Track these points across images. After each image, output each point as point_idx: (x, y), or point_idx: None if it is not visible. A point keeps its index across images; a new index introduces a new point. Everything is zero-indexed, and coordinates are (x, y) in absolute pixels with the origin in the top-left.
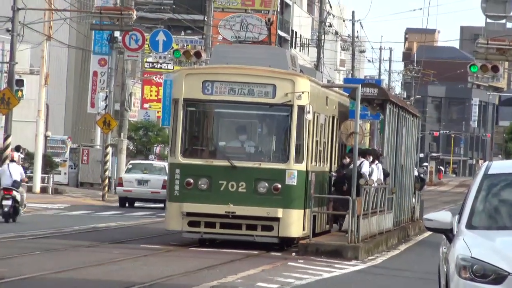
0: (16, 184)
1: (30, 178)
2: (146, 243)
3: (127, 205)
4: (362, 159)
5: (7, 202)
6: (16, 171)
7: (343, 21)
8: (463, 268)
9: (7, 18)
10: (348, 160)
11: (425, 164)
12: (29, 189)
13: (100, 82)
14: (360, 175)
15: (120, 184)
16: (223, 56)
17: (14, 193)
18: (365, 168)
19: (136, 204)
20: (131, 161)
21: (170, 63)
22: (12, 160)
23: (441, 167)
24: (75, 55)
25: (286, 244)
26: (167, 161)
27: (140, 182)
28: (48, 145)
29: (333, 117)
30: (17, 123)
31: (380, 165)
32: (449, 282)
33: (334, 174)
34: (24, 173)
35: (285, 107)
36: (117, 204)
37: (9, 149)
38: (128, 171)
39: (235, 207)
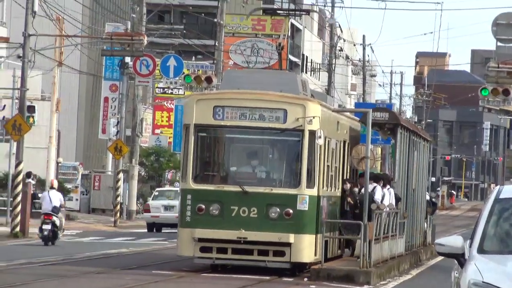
0: (55, 210)
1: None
2: (158, 269)
3: (154, 230)
4: (375, 184)
5: (47, 227)
6: (55, 198)
7: (354, 45)
8: None
9: (18, 44)
10: (348, 185)
11: (439, 189)
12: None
13: (111, 108)
14: (372, 200)
15: (147, 210)
16: (234, 81)
17: (54, 218)
18: (378, 195)
19: (164, 229)
20: (157, 189)
21: (181, 89)
22: (52, 187)
23: (452, 191)
24: (86, 81)
25: (298, 270)
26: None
27: (166, 208)
28: (60, 171)
29: (344, 142)
30: (28, 150)
31: (391, 190)
32: None
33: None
34: (63, 199)
35: (296, 132)
36: (129, 230)
37: (20, 176)
38: (154, 197)
39: (246, 232)
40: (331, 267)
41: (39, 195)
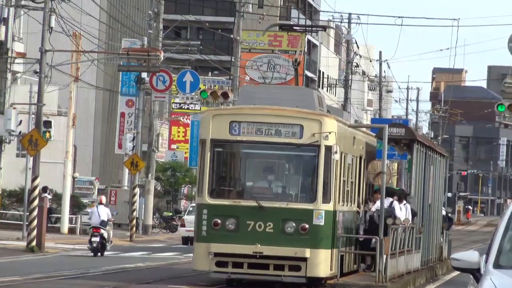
0: (103, 224)
1: (58, 219)
2: (174, 284)
3: (189, 243)
4: (391, 199)
5: (96, 239)
6: (103, 212)
7: (370, 61)
8: None
9: (35, 60)
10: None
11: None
12: (57, 230)
13: (127, 123)
14: (394, 216)
15: (183, 225)
16: (250, 97)
17: (102, 231)
18: (398, 210)
19: None
20: (192, 204)
21: (197, 104)
22: (100, 203)
23: (469, 207)
24: (103, 96)
25: (313, 284)
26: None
27: None
28: (76, 186)
29: (360, 157)
30: (45, 164)
31: (408, 205)
32: None
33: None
34: (110, 214)
35: (312, 147)
36: (145, 244)
37: (37, 190)
38: (189, 212)
39: (262, 247)
40: (347, 282)
41: (88, 210)
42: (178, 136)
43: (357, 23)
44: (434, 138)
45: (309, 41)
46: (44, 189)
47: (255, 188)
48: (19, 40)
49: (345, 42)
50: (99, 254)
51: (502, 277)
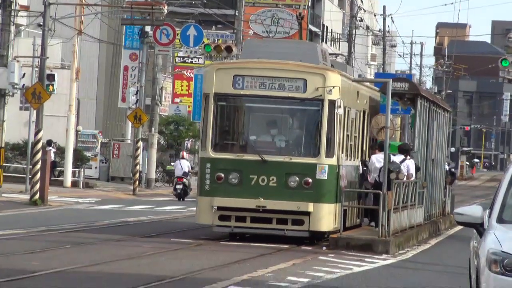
0: (185, 174)
1: (62, 172)
2: (176, 237)
3: None
4: (403, 157)
5: (179, 186)
6: (185, 165)
7: (374, 15)
8: (494, 262)
9: (39, 13)
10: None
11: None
12: (60, 183)
13: (131, 76)
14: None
15: None
16: (254, 51)
17: (184, 180)
18: (412, 169)
19: None
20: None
21: (201, 58)
22: (182, 158)
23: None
24: (106, 50)
25: (316, 238)
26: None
27: None
28: (79, 140)
29: (364, 112)
30: (48, 118)
31: (412, 160)
32: (480, 276)
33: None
34: (190, 167)
35: (316, 101)
36: (148, 198)
37: (40, 144)
38: None
39: (265, 201)
40: (350, 236)
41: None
42: (182, 90)
43: None
44: (438, 93)
45: None
46: (49, 143)
47: (259, 142)
48: None
49: None
50: (181, 199)
51: (505, 231)
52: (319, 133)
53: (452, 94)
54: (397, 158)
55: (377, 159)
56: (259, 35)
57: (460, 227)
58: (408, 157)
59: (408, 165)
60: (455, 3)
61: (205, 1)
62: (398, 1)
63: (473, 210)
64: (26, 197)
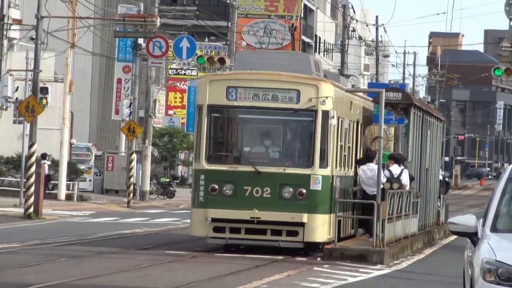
0: None
1: (56, 185)
2: (171, 249)
3: None
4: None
5: None
6: None
7: (367, 25)
8: (488, 271)
9: (31, 26)
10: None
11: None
12: (54, 196)
13: (124, 89)
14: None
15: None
16: (247, 62)
17: None
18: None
19: None
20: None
21: (194, 70)
22: None
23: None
24: (99, 62)
25: (311, 249)
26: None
27: None
28: (73, 152)
29: (358, 122)
30: (42, 131)
31: (406, 170)
32: (474, 285)
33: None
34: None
35: (309, 112)
36: (143, 210)
37: (34, 157)
38: None
39: (260, 212)
40: (344, 246)
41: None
42: (175, 101)
43: None
44: (431, 103)
45: (305, 6)
46: (43, 156)
47: (252, 153)
48: (15, 7)
49: (341, 7)
50: None
51: (499, 240)
52: (312, 144)
53: (446, 104)
54: (394, 168)
55: (364, 170)
56: (252, 46)
57: (454, 237)
58: (402, 166)
59: (402, 175)
60: (447, 12)
61: (197, 13)
62: (390, 11)
63: (467, 220)
64: (20, 210)
